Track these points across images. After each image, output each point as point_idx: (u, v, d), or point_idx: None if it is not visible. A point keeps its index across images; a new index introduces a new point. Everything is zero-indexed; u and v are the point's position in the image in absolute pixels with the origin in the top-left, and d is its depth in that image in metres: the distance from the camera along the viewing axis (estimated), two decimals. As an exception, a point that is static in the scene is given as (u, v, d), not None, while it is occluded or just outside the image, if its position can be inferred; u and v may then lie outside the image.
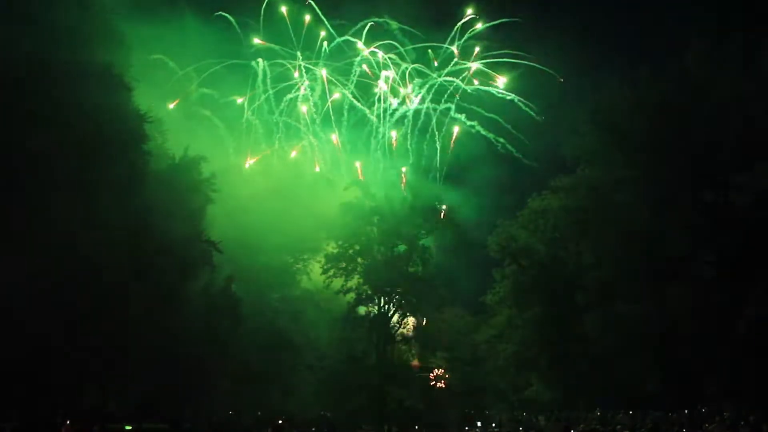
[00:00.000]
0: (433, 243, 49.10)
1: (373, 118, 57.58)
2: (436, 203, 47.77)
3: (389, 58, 57.43)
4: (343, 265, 45.50)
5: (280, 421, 39.11)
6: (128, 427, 29.04)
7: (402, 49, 57.63)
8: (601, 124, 39.02)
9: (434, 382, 51.45)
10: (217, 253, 34.12)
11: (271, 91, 54.84)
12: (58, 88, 24.45)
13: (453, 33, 58.46)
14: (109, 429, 27.80)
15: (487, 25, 58.35)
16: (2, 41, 23.45)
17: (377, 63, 57.66)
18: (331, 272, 45.35)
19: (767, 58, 33.71)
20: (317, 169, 55.73)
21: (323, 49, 55.92)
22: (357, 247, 46.05)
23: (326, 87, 56.33)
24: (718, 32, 37.03)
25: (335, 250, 45.91)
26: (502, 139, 58.14)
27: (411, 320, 48.16)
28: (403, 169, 56.57)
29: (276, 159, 52.30)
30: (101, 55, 26.98)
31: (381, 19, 56.16)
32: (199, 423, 35.81)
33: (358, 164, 55.32)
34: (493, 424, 44.06)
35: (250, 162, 51.63)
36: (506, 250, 45.12)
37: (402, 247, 46.55)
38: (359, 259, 45.81)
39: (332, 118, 57.17)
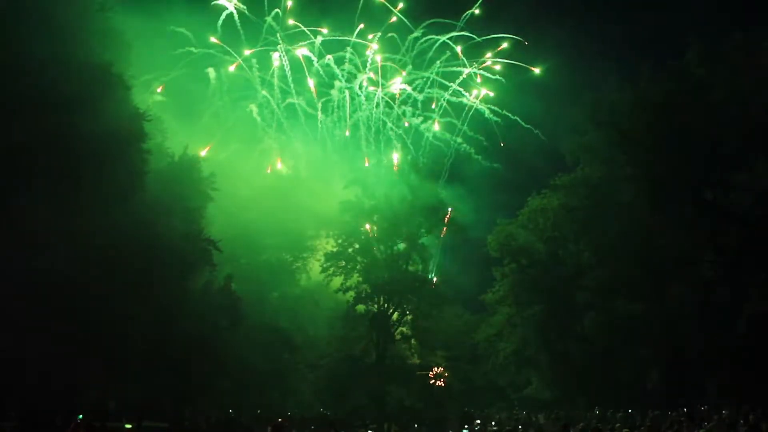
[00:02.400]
0: (433, 241, 49.19)
1: (318, 115, 57.34)
2: (438, 201, 47.64)
3: (342, 69, 57.49)
4: (343, 263, 45.44)
5: (280, 420, 39.11)
6: (128, 426, 28.99)
7: (357, 61, 57.65)
8: (601, 122, 39.05)
9: (434, 381, 51.43)
10: (217, 252, 34.08)
11: (227, 99, 54.45)
12: (57, 87, 24.40)
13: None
14: (109, 428, 27.78)
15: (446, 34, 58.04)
16: (1, 40, 23.40)
17: (329, 73, 57.47)
18: (330, 271, 45.28)
19: (767, 56, 33.74)
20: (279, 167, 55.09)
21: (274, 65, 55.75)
22: (356, 246, 46.01)
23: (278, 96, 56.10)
24: (719, 30, 37.11)
25: (334, 249, 45.89)
26: (459, 139, 58.44)
27: (410, 319, 48.11)
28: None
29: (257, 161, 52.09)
30: (100, 54, 26.94)
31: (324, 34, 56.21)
32: (198, 422, 35.81)
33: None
34: (493, 423, 44.03)
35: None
36: (506, 249, 45.16)
37: (401, 246, 46.51)
38: (359, 258, 45.76)
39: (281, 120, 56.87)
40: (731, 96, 34.05)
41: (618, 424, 25.39)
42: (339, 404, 45.13)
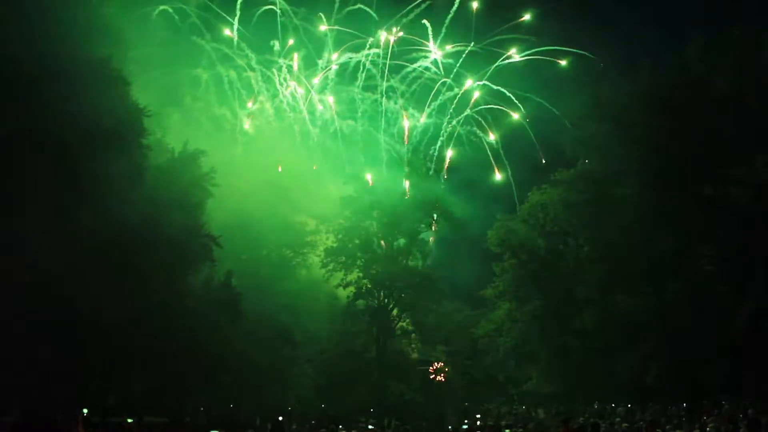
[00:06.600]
0: (433, 237, 49.25)
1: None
2: (438, 196, 47.60)
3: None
4: (343, 259, 45.48)
5: (281, 417, 39.22)
6: (129, 420, 29.09)
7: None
8: (601, 117, 39.03)
9: (434, 376, 51.66)
10: (217, 248, 34.03)
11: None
12: (56, 83, 24.35)
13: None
14: (110, 423, 27.86)
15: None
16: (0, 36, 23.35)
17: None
18: (330, 266, 45.32)
19: (766, 51, 33.73)
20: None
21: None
22: (356, 241, 46.04)
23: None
24: (718, 26, 37.07)
25: (334, 244, 45.91)
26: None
27: (410, 314, 48.22)
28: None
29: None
30: (99, 49, 26.85)
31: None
32: (199, 417, 35.90)
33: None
34: (493, 418, 44.19)
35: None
36: (506, 244, 45.20)
37: (402, 241, 46.56)
38: (359, 253, 45.79)
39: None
40: (731, 90, 34.06)
41: (618, 419, 25.48)
42: (339, 399, 45.27)
